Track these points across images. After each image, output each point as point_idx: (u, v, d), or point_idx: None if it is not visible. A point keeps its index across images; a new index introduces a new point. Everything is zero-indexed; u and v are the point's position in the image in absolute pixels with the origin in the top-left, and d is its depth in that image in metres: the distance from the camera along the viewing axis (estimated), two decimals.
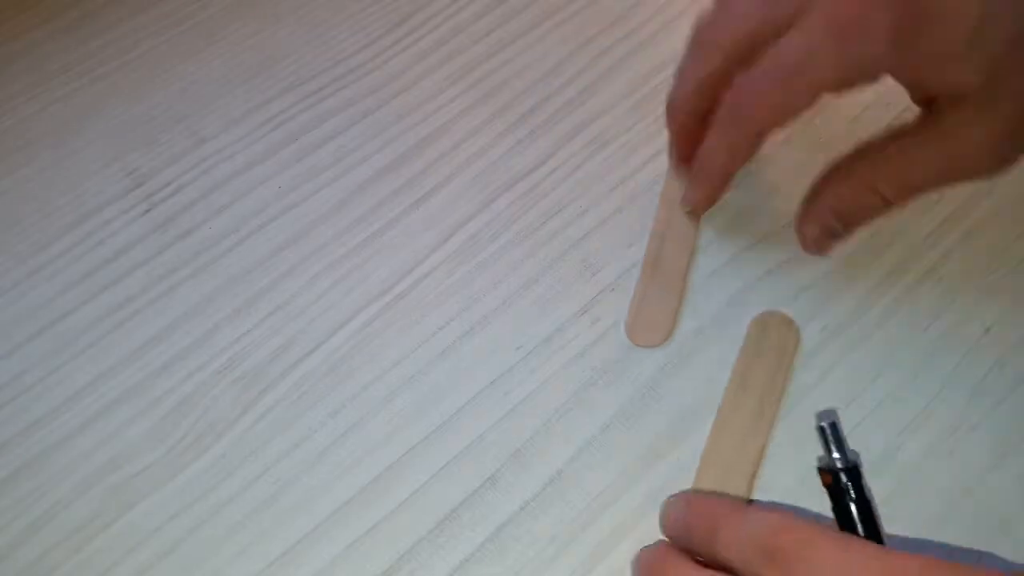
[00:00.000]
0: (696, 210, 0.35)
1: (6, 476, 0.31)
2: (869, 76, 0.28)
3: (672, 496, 0.29)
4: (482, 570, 0.28)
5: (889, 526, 0.28)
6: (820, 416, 0.29)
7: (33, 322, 0.34)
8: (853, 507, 0.24)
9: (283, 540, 0.29)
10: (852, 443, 0.30)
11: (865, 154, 0.30)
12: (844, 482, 0.24)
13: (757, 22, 0.29)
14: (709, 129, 0.31)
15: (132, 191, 0.38)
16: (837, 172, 0.31)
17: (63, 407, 0.32)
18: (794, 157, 0.37)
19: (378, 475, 0.30)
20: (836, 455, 0.25)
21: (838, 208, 0.31)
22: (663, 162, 0.37)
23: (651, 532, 0.29)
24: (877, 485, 0.29)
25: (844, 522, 0.24)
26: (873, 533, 0.24)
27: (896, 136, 0.30)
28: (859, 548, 0.22)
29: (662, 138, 0.37)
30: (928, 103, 0.29)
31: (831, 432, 0.25)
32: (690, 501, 0.27)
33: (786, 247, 0.34)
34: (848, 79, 0.28)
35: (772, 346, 0.32)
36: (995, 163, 0.28)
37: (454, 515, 0.29)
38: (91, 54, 0.42)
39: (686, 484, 0.29)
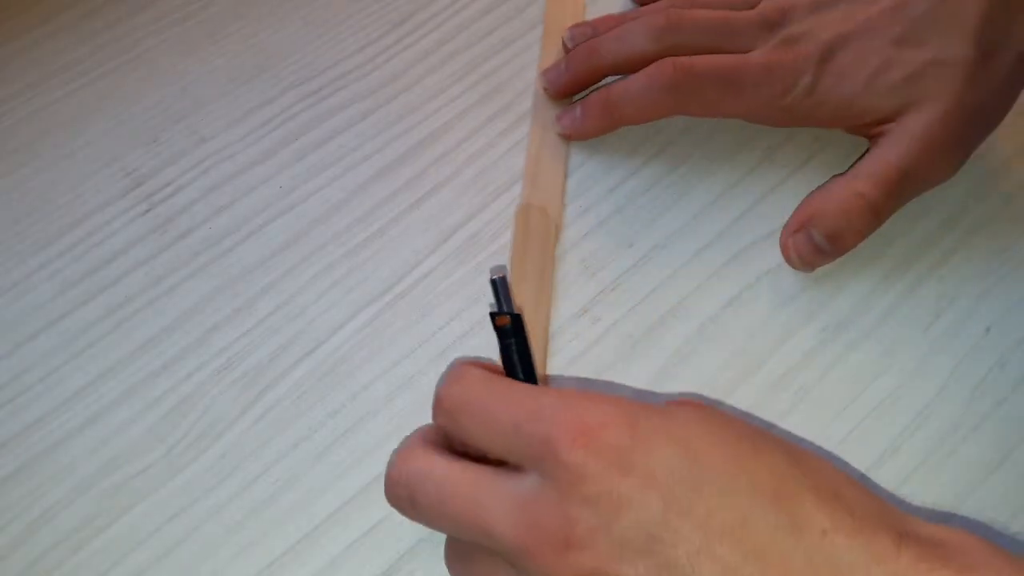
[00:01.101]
0: (575, 138, 0.37)
1: (6, 476, 0.31)
2: (779, 123, 0.36)
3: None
4: None
5: None
6: (492, 271, 0.33)
7: (33, 322, 0.34)
8: (515, 349, 0.27)
9: (283, 540, 0.29)
10: (853, 443, 0.30)
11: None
12: (512, 326, 0.27)
13: (713, 41, 0.35)
14: (637, 79, 0.35)
15: (132, 191, 0.38)
16: (819, 186, 0.34)
17: (63, 407, 0.32)
18: (792, 157, 0.37)
19: (378, 475, 0.30)
20: (505, 305, 0.28)
21: (818, 210, 0.33)
22: (664, 161, 0.37)
23: None
24: (878, 485, 0.29)
25: (508, 362, 0.27)
26: (529, 371, 0.27)
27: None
28: (509, 389, 0.25)
29: (662, 137, 0.37)
30: (866, 135, 0.34)
31: (501, 285, 0.28)
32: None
33: None
34: (759, 117, 0.36)
35: (536, 233, 0.34)
36: (944, 166, 0.33)
37: None
38: (91, 54, 0.42)
39: None
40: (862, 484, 0.23)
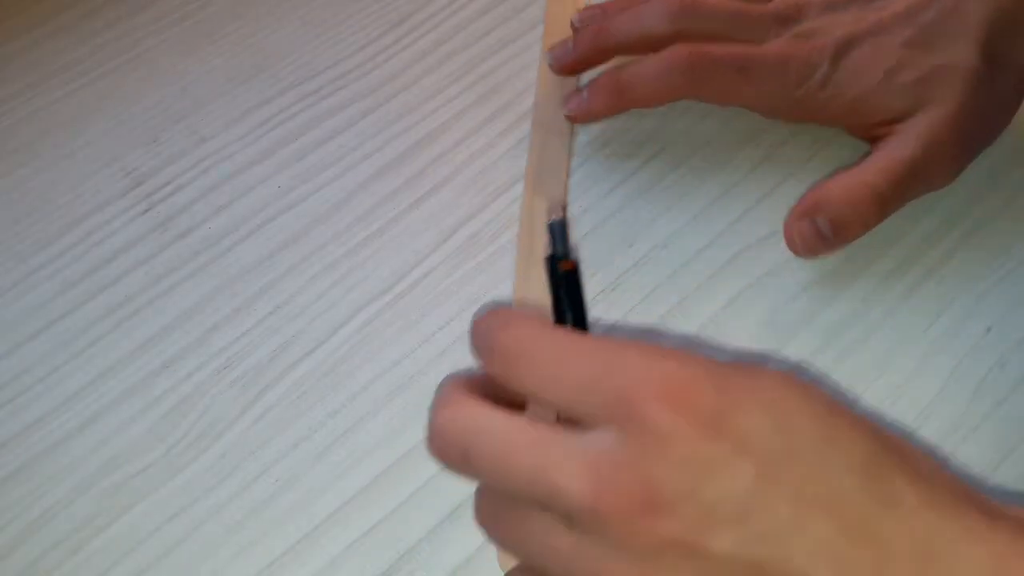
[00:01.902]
0: (581, 120, 0.37)
1: (5, 476, 0.31)
2: (789, 116, 0.36)
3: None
4: (482, 570, 0.28)
5: None
6: (549, 211, 0.30)
7: (33, 322, 0.34)
8: (565, 295, 0.26)
9: (283, 540, 0.29)
10: None
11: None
12: (571, 272, 0.26)
13: (727, 29, 0.35)
14: (651, 61, 0.34)
15: (131, 191, 0.38)
16: (826, 177, 0.34)
17: (63, 407, 0.32)
18: (792, 157, 0.37)
19: (378, 475, 0.30)
20: (563, 249, 0.26)
21: (825, 198, 0.33)
22: (664, 161, 0.37)
23: None
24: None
25: (561, 309, 0.26)
26: (582, 321, 0.26)
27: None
28: (580, 342, 0.23)
29: (662, 137, 0.37)
30: (868, 136, 0.35)
31: (559, 228, 0.26)
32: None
33: (787, 248, 0.34)
34: (770, 108, 0.36)
35: (541, 229, 0.35)
36: (946, 168, 0.34)
37: (454, 515, 0.29)
38: (91, 54, 0.42)
39: None
40: (944, 464, 0.22)
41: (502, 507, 0.23)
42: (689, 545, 0.20)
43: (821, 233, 0.32)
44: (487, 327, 0.23)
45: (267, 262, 0.35)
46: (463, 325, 0.33)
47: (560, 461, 0.21)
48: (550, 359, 0.22)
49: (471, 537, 0.29)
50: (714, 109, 0.38)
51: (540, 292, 0.33)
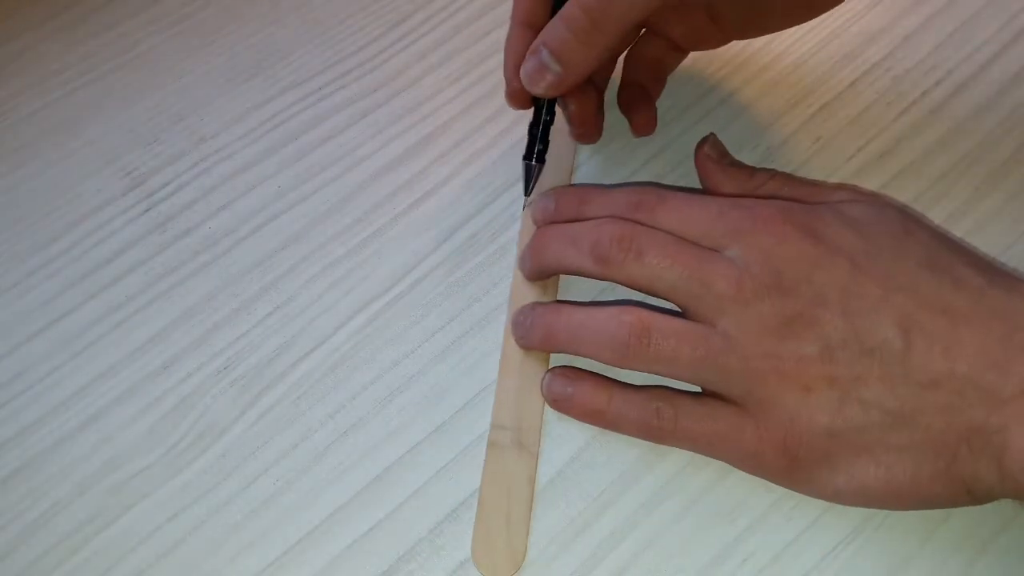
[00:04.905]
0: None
1: (5, 476, 0.31)
2: None
3: (539, 197, 0.34)
4: None
5: (889, 526, 0.28)
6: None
7: (33, 322, 0.34)
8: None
9: (283, 540, 0.29)
10: None
11: None
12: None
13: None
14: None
15: (131, 191, 0.38)
16: None
17: (63, 407, 0.32)
18: (792, 157, 0.37)
19: (378, 475, 0.30)
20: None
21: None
22: (663, 161, 0.37)
23: (653, 532, 0.29)
24: None
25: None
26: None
27: None
28: (702, 197, 0.30)
29: (662, 139, 0.37)
30: None
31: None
32: (557, 193, 0.33)
33: None
34: None
35: None
36: None
37: (454, 515, 0.29)
38: (90, 54, 0.42)
39: (688, 483, 0.29)
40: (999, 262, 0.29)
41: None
42: (807, 318, 0.26)
43: (544, 63, 0.30)
44: (625, 192, 0.31)
45: (267, 262, 0.35)
46: (463, 325, 0.33)
47: (710, 264, 0.27)
48: (682, 205, 0.29)
49: (471, 537, 0.29)
50: (712, 111, 0.38)
51: (539, 292, 0.33)
